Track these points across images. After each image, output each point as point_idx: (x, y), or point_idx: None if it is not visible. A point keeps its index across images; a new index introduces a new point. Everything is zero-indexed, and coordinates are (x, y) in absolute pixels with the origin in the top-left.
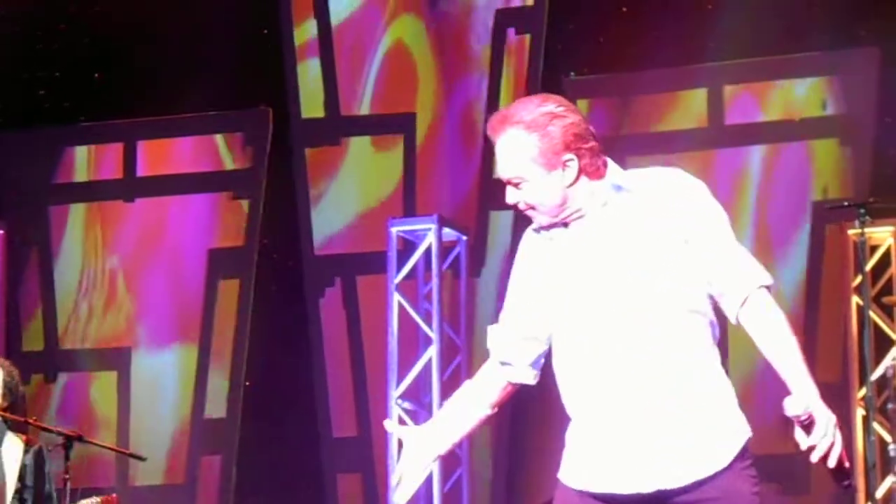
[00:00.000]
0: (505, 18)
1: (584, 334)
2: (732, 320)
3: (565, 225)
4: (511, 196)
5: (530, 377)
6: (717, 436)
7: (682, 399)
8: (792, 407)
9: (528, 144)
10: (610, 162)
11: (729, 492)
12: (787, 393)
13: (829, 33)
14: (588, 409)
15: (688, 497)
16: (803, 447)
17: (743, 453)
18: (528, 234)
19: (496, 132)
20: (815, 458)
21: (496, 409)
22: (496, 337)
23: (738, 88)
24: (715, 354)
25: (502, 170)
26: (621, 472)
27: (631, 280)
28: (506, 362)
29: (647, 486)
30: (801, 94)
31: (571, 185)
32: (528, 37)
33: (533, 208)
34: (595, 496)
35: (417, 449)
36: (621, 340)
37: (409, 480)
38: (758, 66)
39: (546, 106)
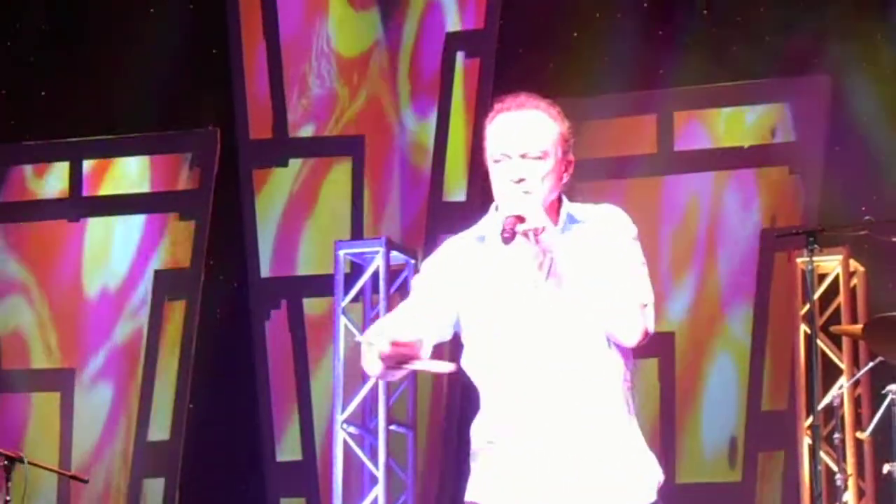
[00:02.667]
0: (455, 41)
1: (503, 346)
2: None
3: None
4: (520, 171)
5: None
6: (631, 474)
7: (597, 433)
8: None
9: (555, 126)
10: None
11: None
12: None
13: (779, 61)
14: (503, 428)
15: None
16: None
17: (654, 494)
18: (455, 240)
19: (522, 106)
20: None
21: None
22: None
23: (688, 115)
24: (630, 395)
25: (525, 142)
26: (530, 498)
27: (559, 305)
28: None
29: None
30: (750, 122)
31: (563, 184)
32: (478, 60)
33: (529, 193)
34: None
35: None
36: (545, 358)
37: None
38: (708, 93)
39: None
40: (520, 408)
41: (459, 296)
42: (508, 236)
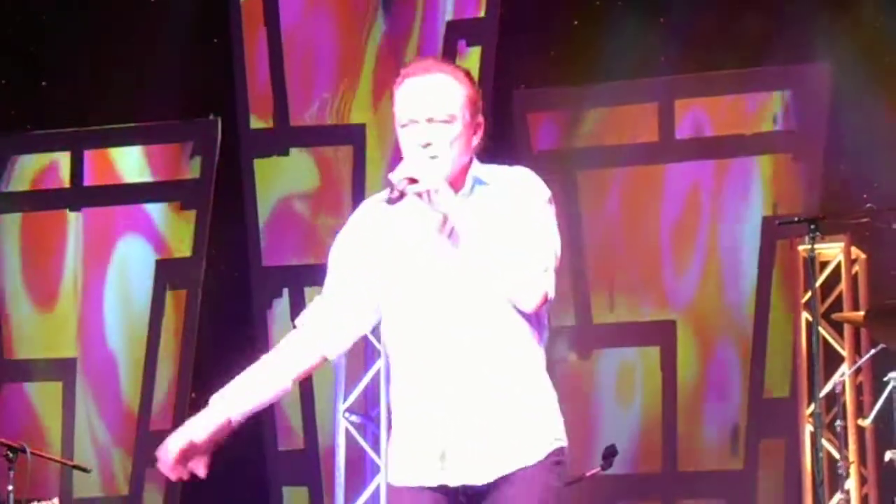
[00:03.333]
0: (456, 30)
1: (413, 310)
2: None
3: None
4: (427, 135)
5: (336, 351)
6: (531, 437)
7: (502, 395)
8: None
9: (462, 89)
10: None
11: (528, 481)
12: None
13: (781, 48)
14: (410, 397)
15: (492, 490)
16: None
17: (554, 455)
18: (365, 206)
19: (428, 71)
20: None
21: (295, 384)
22: (318, 308)
23: (689, 102)
24: (541, 356)
25: (431, 106)
26: (433, 466)
27: (461, 268)
28: (322, 333)
29: (452, 481)
30: (752, 109)
31: (473, 146)
32: (479, 48)
33: (435, 157)
34: (419, 490)
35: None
36: (448, 323)
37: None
38: (709, 81)
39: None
40: (423, 373)
41: (370, 266)
42: (395, 197)
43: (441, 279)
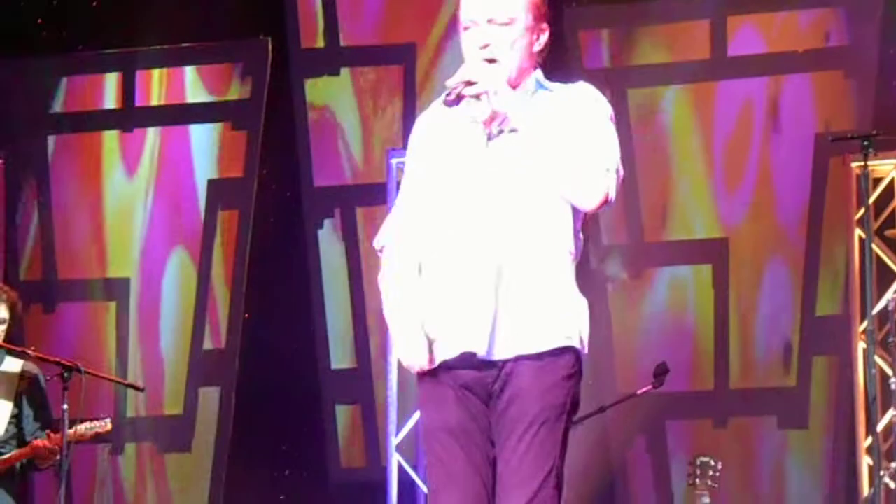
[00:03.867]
0: None
1: (458, 203)
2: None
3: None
4: (486, 37)
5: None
6: (553, 324)
7: (533, 283)
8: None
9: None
10: None
11: (540, 380)
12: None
13: None
14: (442, 278)
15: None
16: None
17: (571, 359)
18: (426, 113)
19: None
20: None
21: None
22: (400, 224)
23: (741, 20)
24: (573, 269)
25: (491, 7)
26: (452, 337)
27: (506, 164)
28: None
29: (465, 347)
30: (804, 26)
31: (537, 53)
32: None
33: (495, 61)
34: (447, 371)
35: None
36: (484, 216)
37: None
38: None
39: None
40: (458, 266)
41: (429, 170)
42: (452, 100)
43: (483, 174)
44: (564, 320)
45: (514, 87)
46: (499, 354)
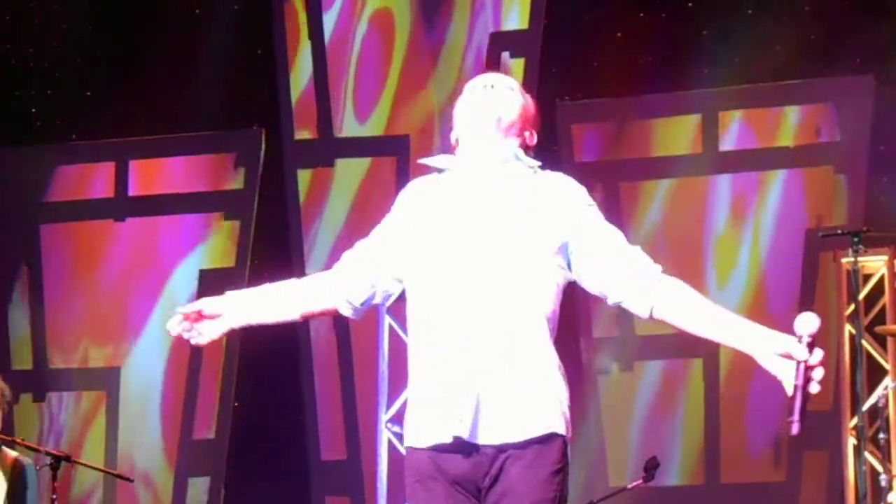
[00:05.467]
0: (499, 42)
1: (442, 281)
2: (645, 315)
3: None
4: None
5: (350, 310)
6: (539, 408)
7: (517, 367)
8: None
9: (521, 100)
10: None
11: (533, 470)
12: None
13: (824, 60)
14: (429, 361)
15: (500, 456)
16: (811, 361)
17: (558, 453)
18: (415, 182)
19: (497, 76)
20: (818, 375)
21: (301, 321)
22: (351, 259)
23: (733, 114)
24: (552, 346)
25: (501, 102)
26: (440, 422)
27: (503, 245)
28: (343, 282)
29: (453, 432)
30: (795, 121)
31: (526, 147)
32: (522, 60)
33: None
34: (435, 450)
35: (218, 304)
36: (478, 294)
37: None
38: (752, 93)
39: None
40: (447, 339)
41: (406, 235)
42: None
43: (477, 253)
44: (550, 404)
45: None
46: (485, 439)
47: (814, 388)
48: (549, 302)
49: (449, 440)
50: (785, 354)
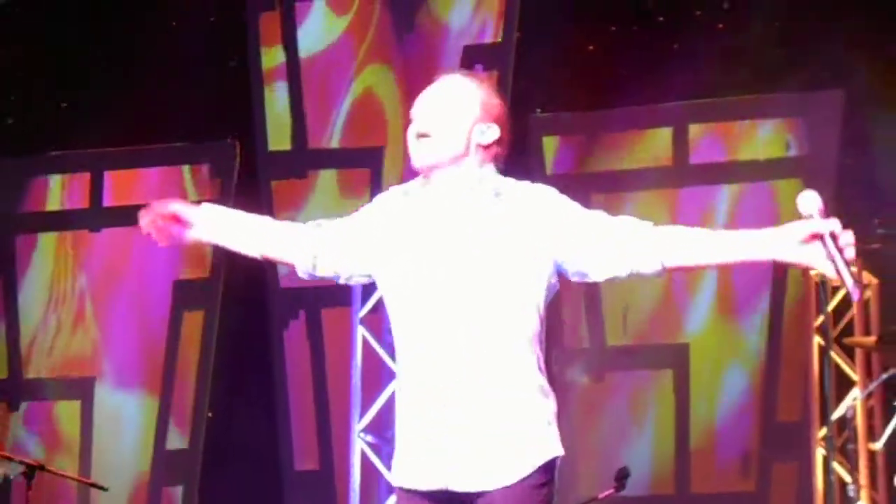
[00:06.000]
0: (473, 54)
1: (413, 304)
2: (659, 270)
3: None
4: (422, 109)
5: (307, 274)
6: (521, 447)
7: (496, 400)
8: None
9: (471, 87)
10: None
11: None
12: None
13: (793, 75)
14: (410, 398)
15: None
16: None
17: (543, 470)
18: (384, 194)
19: (448, 75)
20: (848, 239)
21: (260, 259)
22: (331, 231)
23: (704, 128)
24: (540, 359)
25: (434, 89)
26: (425, 468)
27: (471, 264)
28: (306, 244)
29: (437, 483)
30: (765, 135)
31: (480, 146)
32: (495, 73)
33: (426, 136)
34: (416, 493)
35: (192, 213)
36: (448, 322)
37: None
38: (723, 106)
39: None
40: (421, 373)
41: (376, 245)
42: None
43: (446, 275)
44: (534, 438)
45: (451, 159)
46: (470, 486)
47: (849, 252)
48: (526, 321)
49: (435, 488)
50: (807, 238)
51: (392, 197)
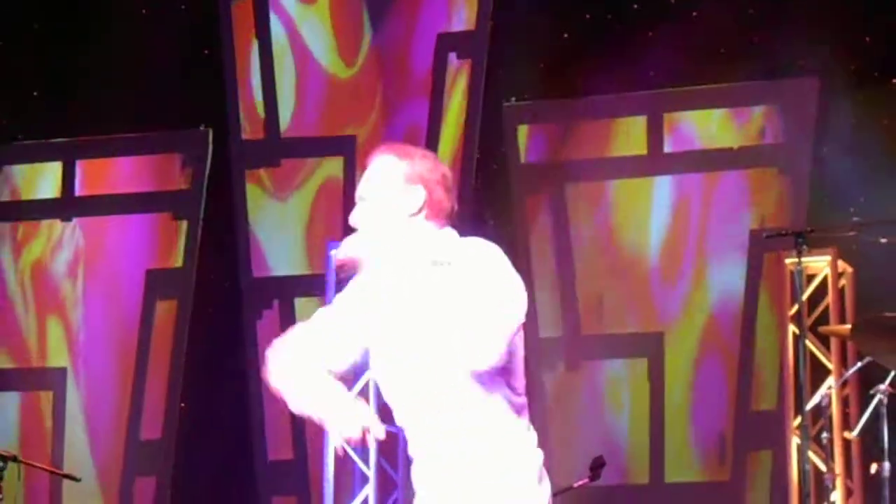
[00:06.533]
0: (447, 42)
1: (392, 384)
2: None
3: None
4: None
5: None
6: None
7: (473, 466)
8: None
9: (390, 167)
10: (450, 231)
11: None
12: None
13: (768, 63)
14: (410, 450)
15: None
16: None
17: None
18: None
19: (375, 156)
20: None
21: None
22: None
23: (678, 116)
24: (516, 423)
25: (364, 175)
26: None
27: (418, 339)
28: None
29: None
30: (739, 123)
31: (412, 215)
32: (469, 61)
33: (358, 227)
34: None
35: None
36: (419, 399)
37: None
38: (697, 95)
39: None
40: (412, 432)
41: (365, 321)
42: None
43: (410, 353)
44: (523, 490)
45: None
46: None
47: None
48: (491, 389)
49: None
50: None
51: (361, 282)
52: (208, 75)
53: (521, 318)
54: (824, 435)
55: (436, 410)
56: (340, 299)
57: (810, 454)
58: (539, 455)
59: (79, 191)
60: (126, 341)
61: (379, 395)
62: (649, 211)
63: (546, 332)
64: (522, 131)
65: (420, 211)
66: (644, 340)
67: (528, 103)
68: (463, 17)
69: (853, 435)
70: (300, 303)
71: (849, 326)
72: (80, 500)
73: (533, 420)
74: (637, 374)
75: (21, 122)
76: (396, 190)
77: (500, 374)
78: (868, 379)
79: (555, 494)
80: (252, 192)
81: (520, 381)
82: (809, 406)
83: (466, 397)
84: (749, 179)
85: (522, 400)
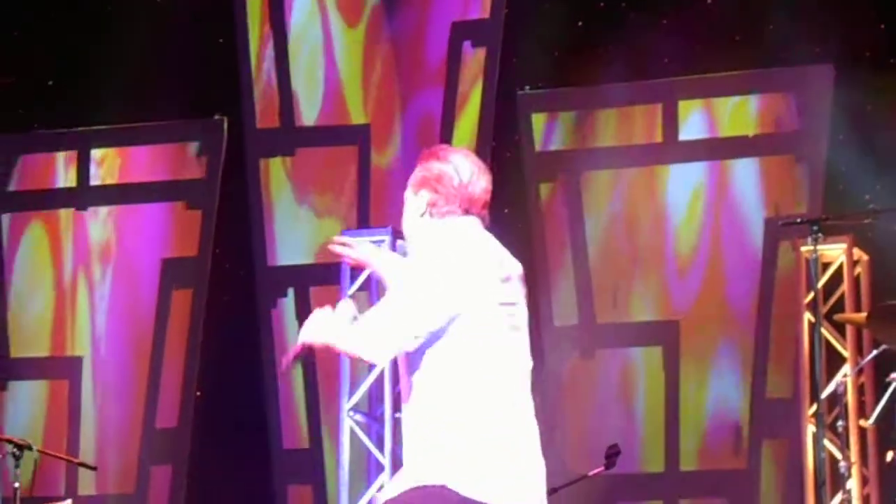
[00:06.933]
0: (461, 31)
1: None
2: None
3: None
4: None
5: None
6: (408, 473)
7: (415, 428)
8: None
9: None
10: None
11: None
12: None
13: (783, 50)
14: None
15: None
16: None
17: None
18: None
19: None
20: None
21: None
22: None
23: (693, 104)
24: (461, 395)
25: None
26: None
27: None
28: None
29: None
30: (755, 111)
31: (424, 216)
32: (483, 49)
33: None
34: None
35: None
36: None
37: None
38: (712, 82)
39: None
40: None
41: None
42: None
43: None
44: (426, 461)
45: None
46: None
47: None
48: (440, 360)
49: None
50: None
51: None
52: (223, 64)
53: (422, 316)
54: (840, 423)
55: (408, 377)
56: None
57: (826, 442)
58: (467, 435)
59: (94, 180)
60: (142, 330)
61: (395, 382)
62: (664, 199)
63: (561, 321)
64: (537, 119)
65: (426, 211)
66: (659, 329)
67: (543, 91)
68: (477, 6)
69: (869, 423)
70: (315, 291)
71: (864, 314)
72: (96, 488)
73: (548, 408)
74: (652, 362)
75: (37, 112)
76: (410, 195)
77: (436, 354)
78: (884, 367)
79: (570, 483)
80: (267, 181)
81: (474, 366)
82: (825, 394)
83: (411, 370)
84: (765, 167)
85: (484, 384)
